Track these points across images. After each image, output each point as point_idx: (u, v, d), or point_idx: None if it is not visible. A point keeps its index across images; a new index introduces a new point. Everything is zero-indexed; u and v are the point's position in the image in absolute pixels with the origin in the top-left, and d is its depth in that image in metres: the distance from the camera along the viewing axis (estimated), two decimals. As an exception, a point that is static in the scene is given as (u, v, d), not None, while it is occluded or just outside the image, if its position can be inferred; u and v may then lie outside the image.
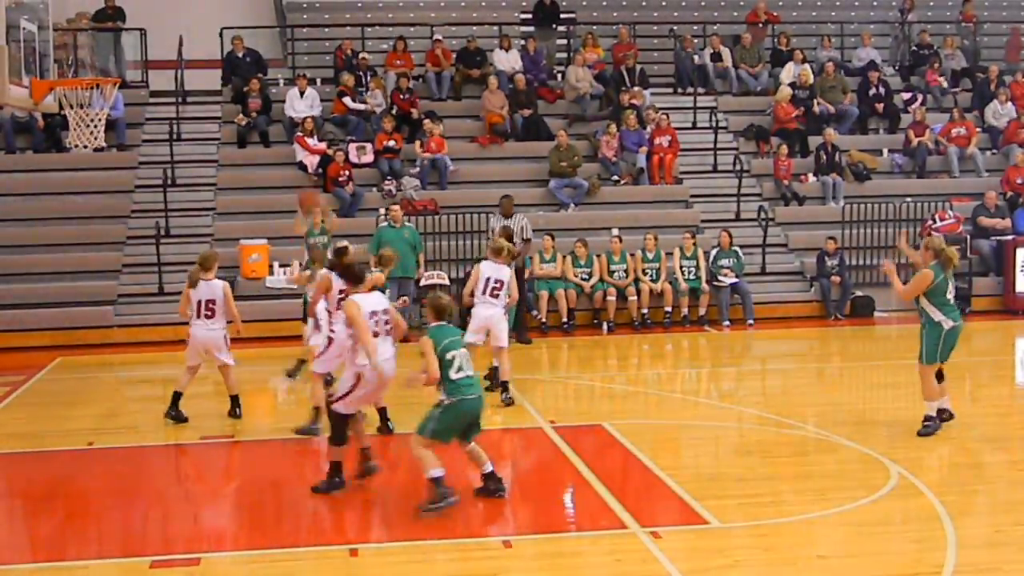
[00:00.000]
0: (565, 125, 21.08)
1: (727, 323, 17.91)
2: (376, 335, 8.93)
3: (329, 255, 11.87)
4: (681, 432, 11.61)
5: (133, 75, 22.07)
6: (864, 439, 10.65)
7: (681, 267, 18.15)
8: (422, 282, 16.68)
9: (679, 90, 22.85)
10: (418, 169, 19.79)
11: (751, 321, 17.98)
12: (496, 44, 22.58)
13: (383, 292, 9.71)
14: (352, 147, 20.06)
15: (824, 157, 20.63)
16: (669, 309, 17.96)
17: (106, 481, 9.94)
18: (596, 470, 9.75)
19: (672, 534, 8.18)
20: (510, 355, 12.56)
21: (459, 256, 18.56)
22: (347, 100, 20.72)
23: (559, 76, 22.57)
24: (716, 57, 22.91)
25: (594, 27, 23.57)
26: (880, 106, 22.20)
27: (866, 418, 11.91)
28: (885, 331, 17.94)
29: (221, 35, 21.84)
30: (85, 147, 14.81)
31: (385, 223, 17.13)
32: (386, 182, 19.54)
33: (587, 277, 17.94)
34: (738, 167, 20.50)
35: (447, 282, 17.78)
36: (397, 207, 17.35)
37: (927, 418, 10.84)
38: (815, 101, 21.83)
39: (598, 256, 18.05)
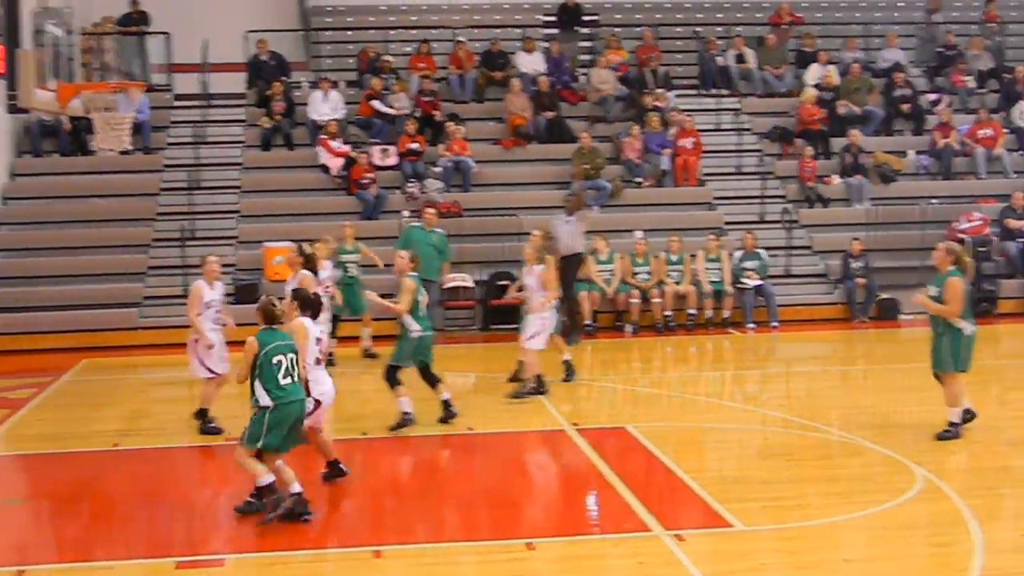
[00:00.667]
0: (588, 127, 21.04)
1: (751, 325, 17.84)
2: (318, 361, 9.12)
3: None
4: (705, 435, 11.58)
5: (158, 79, 22.15)
6: (889, 442, 10.59)
7: (705, 269, 18.12)
8: (445, 285, 16.63)
9: (703, 92, 22.72)
10: (441, 171, 19.82)
11: (775, 323, 17.90)
12: (519, 46, 22.56)
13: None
14: (375, 149, 20.09)
15: (849, 159, 20.54)
16: (693, 311, 17.88)
17: (132, 482, 9.98)
18: (619, 473, 9.73)
19: (696, 537, 8.16)
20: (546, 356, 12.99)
21: (482, 259, 18.54)
22: (376, 103, 20.76)
23: (582, 78, 22.54)
24: (740, 59, 22.80)
25: (617, 29, 23.48)
26: (906, 107, 22.02)
27: (891, 421, 11.85)
28: (910, 334, 17.76)
29: (246, 39, 21.97)
30: (111, 150, 14.93)
31: (418, 223, 16.54)
32: (409, 184, 19.55)
33: (609, 277, 17.88)
34: (762, 169, 20.39)
35: (471, 284, 17.87)
36: (433, 211, 16.56)
37: (951, 424, 10.76)
38: (840, 103, 21.71)
39: (620, 257, 18.01)
